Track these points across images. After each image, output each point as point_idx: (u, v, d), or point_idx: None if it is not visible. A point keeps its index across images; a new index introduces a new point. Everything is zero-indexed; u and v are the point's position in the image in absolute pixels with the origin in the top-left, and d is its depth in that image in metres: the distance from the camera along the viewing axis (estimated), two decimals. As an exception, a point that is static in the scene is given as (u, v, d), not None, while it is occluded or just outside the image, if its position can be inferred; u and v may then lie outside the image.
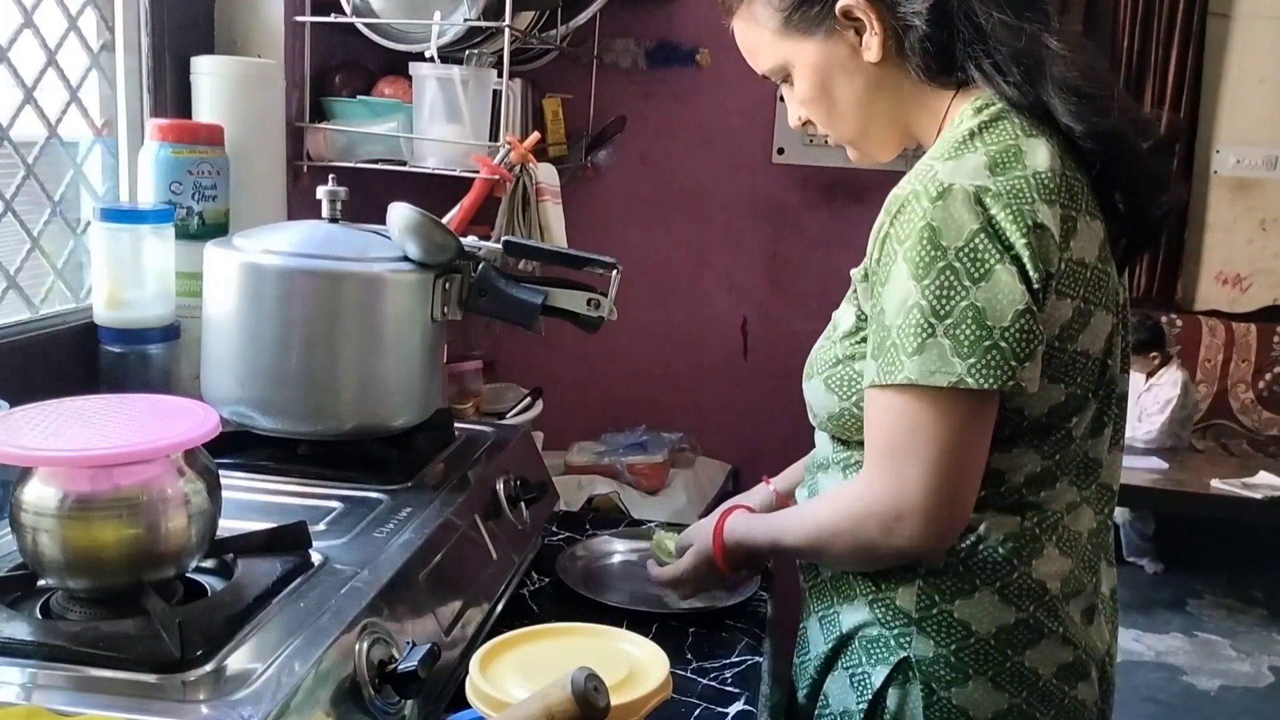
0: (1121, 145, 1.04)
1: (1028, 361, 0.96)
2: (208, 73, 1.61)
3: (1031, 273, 0.95)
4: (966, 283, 0.95)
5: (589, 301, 1.34)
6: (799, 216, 2.62)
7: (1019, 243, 0.95)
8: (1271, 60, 2.95)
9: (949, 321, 0.95)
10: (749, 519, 1.23)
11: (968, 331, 0.95)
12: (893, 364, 0.98)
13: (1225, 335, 3.37)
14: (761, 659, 1.28)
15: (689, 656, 1.26)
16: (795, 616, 1.42)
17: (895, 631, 1.07)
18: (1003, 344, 0.95)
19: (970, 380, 0.95)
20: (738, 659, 1.27)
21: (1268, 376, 3.40)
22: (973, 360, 0.95)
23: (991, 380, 0.95)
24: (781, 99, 1.25)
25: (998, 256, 0.95)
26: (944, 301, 0.95)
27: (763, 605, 1.41)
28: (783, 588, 1.56)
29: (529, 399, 2.25)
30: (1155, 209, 1.09)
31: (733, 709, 1.16)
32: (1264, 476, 3.42)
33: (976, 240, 0.95)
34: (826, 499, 1.12)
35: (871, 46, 1.07)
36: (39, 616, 0.90)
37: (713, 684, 1.21)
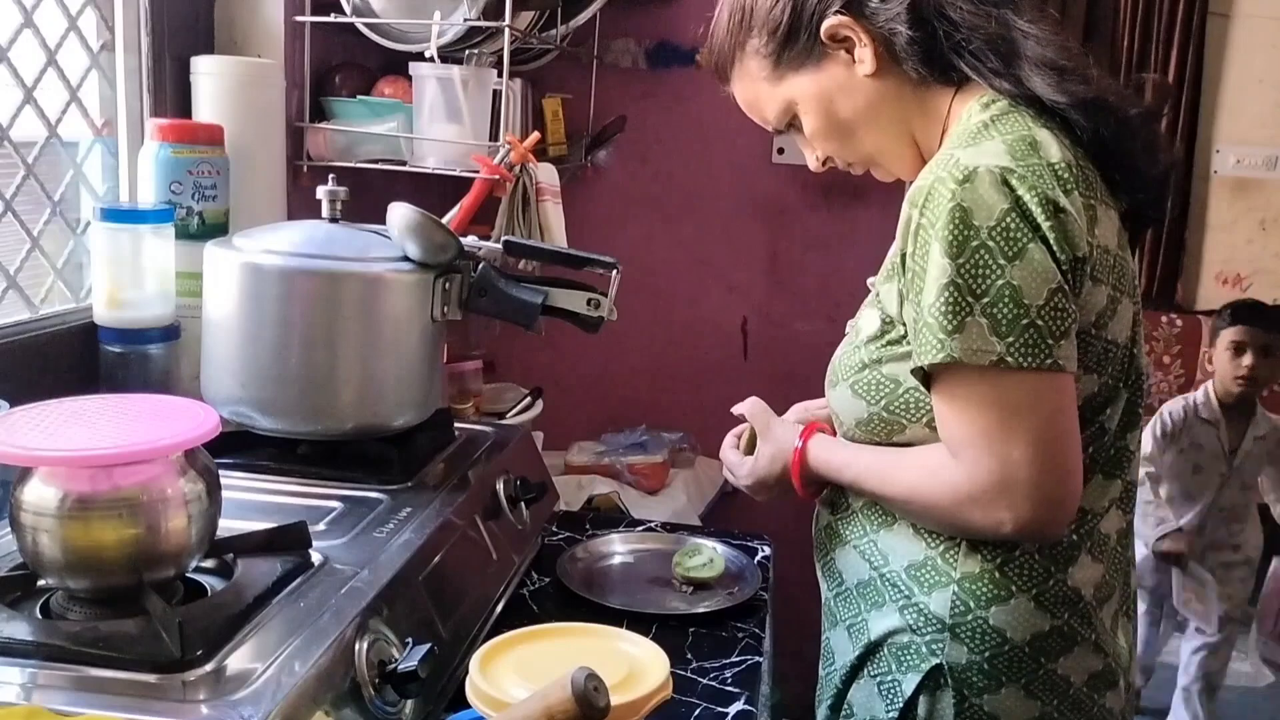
0: (1107, 111, 1.05)
1: (1063, 340, 0.96)
2: (208, 73, 1.61)
3: (1059, 254, 0.95)
4: (1001, 261, 0.94)
5: (589, 301, 1.34)
6: (799, 216, 2.61)
7: (1044, 224, 0.95)
8: (1271, 60, 2.95)
9: (986, 300, 0.95)
10: (831, 446, 1.16)
11: (1005, 310, 0.94)
12: (929, 343, 0.97)
13: (1225, 335, 3.36)
14: (761, 659, 1.28)
15: (689, 656, 1.26)
16: (796, 618, 1.41)
17: (928, 638, 1.05)
18: (1039, 322, 0.94)
19: (1010, 360, 0.94)
20: (738, 659, 1.27)
21: (1268, 376, 3.39)
22: (1011, 339, 0.94)
23: (1031, 359, 0.94)
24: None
25: (1029, 235, 0.95)
26: (980, 280, 0.95)
27: (763, 605, 1.41)
28: (784, 588, 1.56)
29: (529, 399, 2.25)
30: (1152, 170, 1.09)
31: (733, 709, 1.16)
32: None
33: (1008, 219, 0.95)
34: (922, 465, 1.05)
35: (865, 59, 1.09)
36: (39, 616, 0.90)
37: (713, 684, 1.21)
